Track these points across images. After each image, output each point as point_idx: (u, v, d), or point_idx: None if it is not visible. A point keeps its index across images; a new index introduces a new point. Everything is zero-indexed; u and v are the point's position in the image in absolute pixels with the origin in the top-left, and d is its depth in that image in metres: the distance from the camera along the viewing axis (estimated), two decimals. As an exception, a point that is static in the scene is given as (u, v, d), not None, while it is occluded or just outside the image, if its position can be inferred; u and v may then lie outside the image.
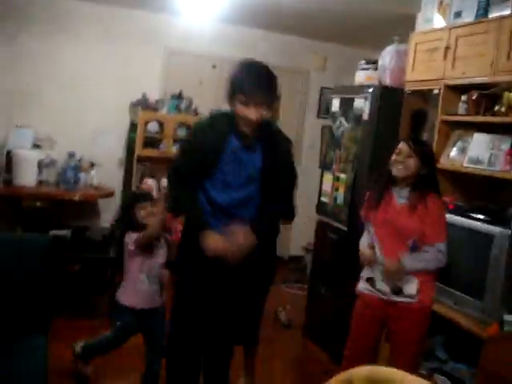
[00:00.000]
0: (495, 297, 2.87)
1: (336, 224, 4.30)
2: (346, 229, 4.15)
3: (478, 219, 3.07)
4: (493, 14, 3.25)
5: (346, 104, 4.31)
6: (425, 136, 3.87)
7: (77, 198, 5.01)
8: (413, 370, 2.71)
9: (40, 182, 5.19)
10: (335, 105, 4.49)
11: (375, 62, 4.31)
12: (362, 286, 3.03)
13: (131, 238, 3.11)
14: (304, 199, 4.73)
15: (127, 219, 3.21)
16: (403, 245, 2.84)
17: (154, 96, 5.91)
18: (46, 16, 5.64)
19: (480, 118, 3.29)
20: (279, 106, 3.97)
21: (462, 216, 3.17)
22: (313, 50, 6.70)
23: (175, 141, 5.73)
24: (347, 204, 4.16)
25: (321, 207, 4.59)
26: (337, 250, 4.27)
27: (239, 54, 6.11)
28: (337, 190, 4.35)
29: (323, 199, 4.55)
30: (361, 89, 4.17)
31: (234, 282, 2.85)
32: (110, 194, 5.47)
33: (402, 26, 4.11)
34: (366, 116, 4.03)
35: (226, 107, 2.68)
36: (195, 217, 2.74)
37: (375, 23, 5.20)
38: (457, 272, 3.13)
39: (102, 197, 5.48)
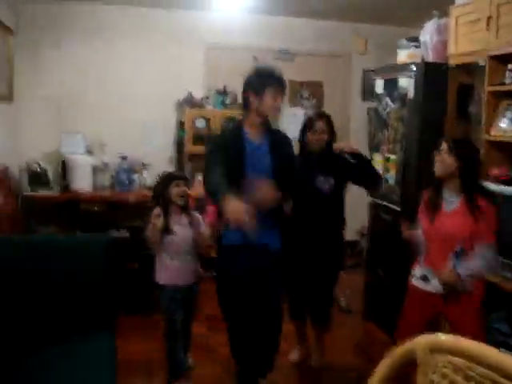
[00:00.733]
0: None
1: (389, 205, 4.29)
2: (399, 209, 4.13)
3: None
4: (535, -21, 3.18)
5: (391, 84, 4.28)
6: (473, 109, 3.81)
7: (132, 199, 5.15)
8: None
9: (95, 186, 5.36)
10: (379, 86, 4.46)
11: (417, 40, 4.25)
12: (415, 281, 3.05)
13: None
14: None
15: (162, 196, 3.37)
16: (450, 250, 2.83)
17: (198, 93, 5.99)
18: (86, 22, 5.80)
19: (528, 86, 3.23)
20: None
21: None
22: (353, 33, 6.62)
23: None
24: (399, 184, 4.14)
25: (372, 189, 4.58)
26: (391, 231, 4.24)
27: (278, 44, 6.26)
28: (388, 170, 4.33)
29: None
30: (404, 67, 4.13)
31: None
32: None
33: (440, 0, 4.05)
34: (411, 95, 3.99)
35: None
36: (218, 185, 2.80)
37: (413, -1, 5.13)
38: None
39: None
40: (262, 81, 3.00)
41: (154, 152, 5.91)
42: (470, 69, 3.85)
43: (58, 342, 2.70)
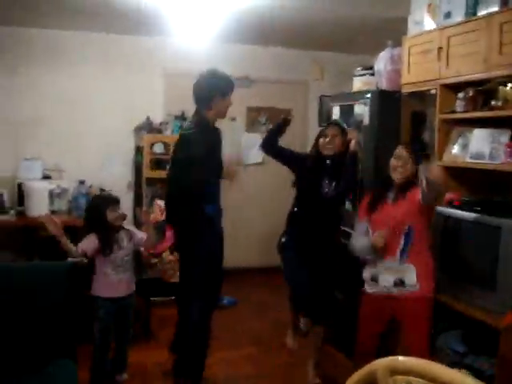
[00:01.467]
0: (507, 287, 2.91)
1: (345, 228, 4.34)
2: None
3: (485, 212, 3.13)
4: (481, 12, 3.33)
5: (347, 111, 4.38)
6: (426, 136, 3.94)
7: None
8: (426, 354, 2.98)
9: (52, 212, 5.27)
10: (336, 112, 4.56)
11: (371, 68, 4.38)
12: (367, 287, 3.23)
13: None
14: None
15: (100, 220, 3.41)
16: (400, 236, 3.07)
17: (158, 118, 6.01)
18: (43, 47, 5.79)
19: (478, 114, 3.35)
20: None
21: (468, 211, 3.23)
22: (310, 60, 6.77)
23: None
24: (356, 208, 4.19)
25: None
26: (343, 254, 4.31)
27: (237, 72, 6.31)
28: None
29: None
30: (359, 95, 4.24)
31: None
32: (122, 218, 5.52)
33: (394, 30, 4.19)
34: (366, 121, 4.10)
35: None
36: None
37: (367, 29, 5.29)
38: (468, 266, 3.20)
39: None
40: (228, 84, 3.44)
41: (112, 177, 5.89)
42: (422, 97, 3.97)
43: (18, 372, 2.66)
